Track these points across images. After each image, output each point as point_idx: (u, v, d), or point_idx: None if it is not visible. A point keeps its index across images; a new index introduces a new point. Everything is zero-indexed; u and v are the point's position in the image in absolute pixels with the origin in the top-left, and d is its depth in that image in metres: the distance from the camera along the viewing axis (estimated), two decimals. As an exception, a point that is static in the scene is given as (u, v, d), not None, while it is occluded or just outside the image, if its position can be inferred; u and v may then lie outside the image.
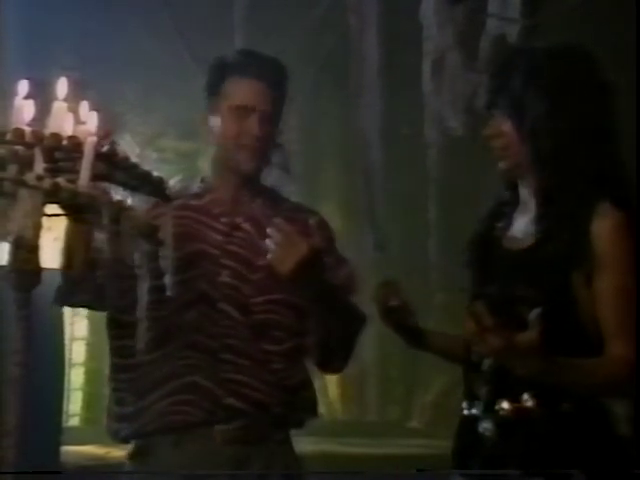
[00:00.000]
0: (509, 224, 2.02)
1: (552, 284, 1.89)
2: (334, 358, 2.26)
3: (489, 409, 1.92)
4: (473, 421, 1.95)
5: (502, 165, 1.99)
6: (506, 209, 2.04)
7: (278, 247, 2.05)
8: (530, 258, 1.93)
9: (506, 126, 1.95)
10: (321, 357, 2.23)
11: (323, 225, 2.26)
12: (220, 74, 2.28)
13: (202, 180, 2.32)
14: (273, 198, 2.29)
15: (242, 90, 2.24)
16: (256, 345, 2.17)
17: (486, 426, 1.91)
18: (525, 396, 1.88)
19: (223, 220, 2.23)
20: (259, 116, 2.21)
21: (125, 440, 2.22)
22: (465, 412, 1.97)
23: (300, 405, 2.22)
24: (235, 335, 2.16)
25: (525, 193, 1.99)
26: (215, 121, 2.26)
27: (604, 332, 1.87)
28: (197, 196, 2.27)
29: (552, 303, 1.87)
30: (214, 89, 2.28)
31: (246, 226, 2.23)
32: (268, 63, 2.30)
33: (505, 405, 1.90)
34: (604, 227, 1.87)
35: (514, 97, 1.93)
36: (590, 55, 1.98)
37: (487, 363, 1.93)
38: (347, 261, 2.31)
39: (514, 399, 1.89)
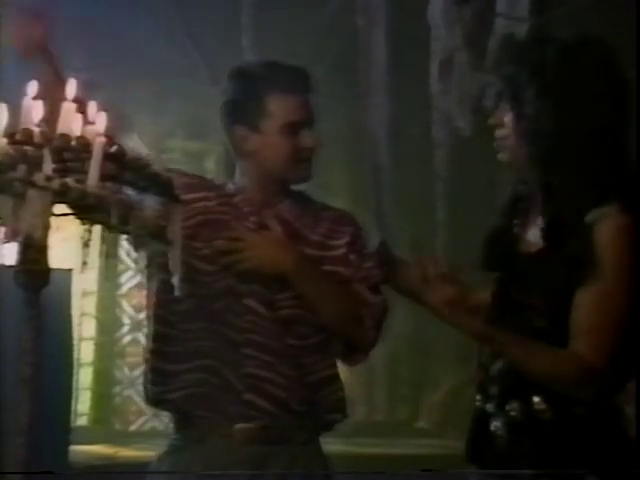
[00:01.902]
0: (526, 220, 2.00)
1: (557, 293, 1.87)
2: (353, 350, 2.29)
3: (500, 408, 1.91)
4: (486, 416, 1.94)
5: (501, 157, 1.97)
6: (521, 205, 2.02)
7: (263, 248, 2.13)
8: (538, 264, 1.91)
9: (507, 118, 1.94)
10: (342, 348, 2.26)
11: (350, 221, 2.33)
12: (256, 92, 2.27)
13: (232, 182, 2.35)
14: (301, 200, 2.33)
15: (290, 107, 2.28)
16: (281, 341, 2.18)
17: (497, 425, 1.91)
18: (536, 398, 1.87)
19: (252, 219, 2.27)
20: (310, 129, 2.28)
21: (156, 403, 2.26)
22: (478, 404, 1.97)
23: (325, 404, 2.23)
24: (259, 330, 2.18)
25: (532, 189, 1.98)
26: (257, 139, 2.25)
27: (572, 328, 1.83)
28: (230, 195, 2.31)
29: (558, 313, 1.85)
30: (253, 109, 2.27)
31: (273, 224, 2.25)
32: (301, 74, 2.34)
33: (515, 406, 1.89)
34: (606, 231, 1.82)
35: (517, 91, 1.92)
36: (606, 51, 1.95)
37: (497, 367, 1.93)
38: (372, 255, 2.33)
39: (524, 400, 1.88)
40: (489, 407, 1.94)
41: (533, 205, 1.98)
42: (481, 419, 1.96)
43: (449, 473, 2.03)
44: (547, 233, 1.89)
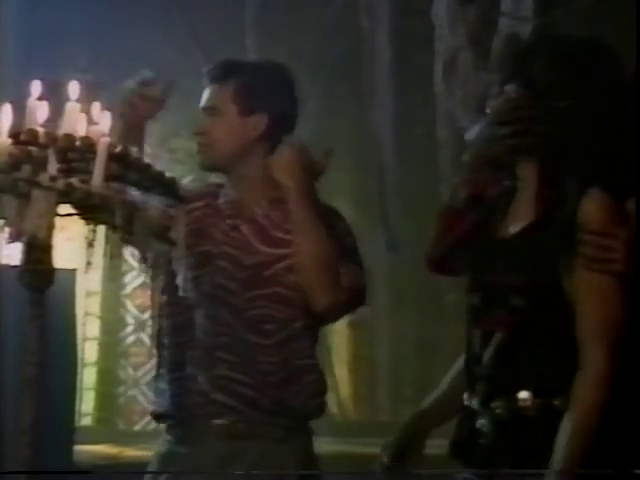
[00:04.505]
0: (506, 212, 2.01)
1: (539, 270, 1.88)
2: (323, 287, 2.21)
3: (485, 405, 1.91)
4: (472, 414, 1.95)
5: (498, 131, 1.96)
6: (505, 199, 2.03)
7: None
8: (520, 244, 1.93)
9: (521, 99, 1.94)
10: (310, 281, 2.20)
11: (338, 217, 2.33)
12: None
13: (214, 185, 2.34)
14: (281, 199, 2.29)
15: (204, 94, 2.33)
16: (247, 341, 2.18)
17: (482, 422, 1.91)
18: (521, 394, 1.87)
19: (228, 222, 2.26)
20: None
21: (156, 417, 2.32)
22: (465, 403, 1.97)
23: (299, 399, 2.22)
24: (229, 333, 2.19)
25: (524, 176, 1.98)
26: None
27: (579, 334, 1.84)
28: (214, 197, 2.30)
29: (540, 290, 1.86)
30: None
31: (244, 228, 2.24)
32: (222, 62, 2.35)
33: (501, 403, 1.90)
34: (589, 210, 1.85)
35: (534, 74, 1.93)
36: (612, 53, 1.98)
37: (483, 364, 1.93)
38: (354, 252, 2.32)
39: (510, 397, 1.88)
40: (474, 404, 1.94)
41: (518, 194, 1.99)
42: (467, 416, 1.96)
43: (451, 473, 2.03)
44: (534, 212, 1.91)
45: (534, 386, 1.86)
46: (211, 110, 2.26)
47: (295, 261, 2.20)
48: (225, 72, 2.26)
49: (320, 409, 2.28)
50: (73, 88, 1.70)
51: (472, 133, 2.03)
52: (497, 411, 1.89)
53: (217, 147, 2.24)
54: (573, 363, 1.84)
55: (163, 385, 2.27)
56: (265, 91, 2.25)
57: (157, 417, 2.31)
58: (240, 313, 2.21)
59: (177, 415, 2.24)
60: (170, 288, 2.23)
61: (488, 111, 1.99)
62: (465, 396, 1.97)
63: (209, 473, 2.17)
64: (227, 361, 2.19)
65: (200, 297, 2.22)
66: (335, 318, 2.34)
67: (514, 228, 1.96)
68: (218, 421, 2.18)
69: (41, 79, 1.70)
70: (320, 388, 2.28)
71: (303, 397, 2.22)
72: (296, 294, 2.22)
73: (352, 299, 2.24)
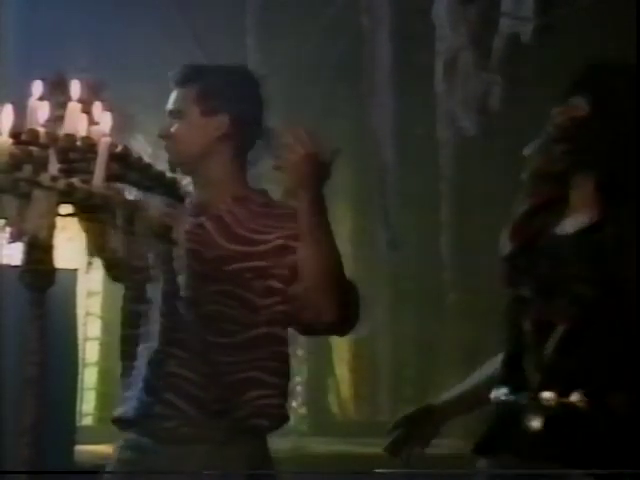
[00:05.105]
0: (562, 216, 2.01)
1: (602, 260, 1.87)
2: (341, 314, 2.17)
3: (535, 400, 1.88)
4: (514, 409, 1.91)
5: (561, 148, 1.96)
6: (560, 204, 2.02)
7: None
8: (580, 240, 1.92)
9: (584, 109, 1.94)
10: (327, 314, 2.15)
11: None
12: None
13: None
14: (250, 199, 2.29)
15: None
16: (201, 338, 2.17)
17: (531, 417, 1.88)
18: (575, 393, 1.85)
19: (190, 220, 2.26)
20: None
21: (114, 422, 2.32)
22: (503, 398, 1.94)
23: (248, 407, 2.18)
24: (183, 329, 2.18)
25: (580, 183, 1.98)
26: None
27: None
28: (181, 199, 2.30)
29: (606, 278, 1.85)
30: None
31: (208, 224, 2.25)
32: (185, 67, 2.38)
33: (553, 398, 1.87)
34: None
35: (601, 86, 1.94)
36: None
37: (549, 346, 1.89)
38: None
39: (563, 393, 1.86)
40: (521, 399, 1.91)
41: (574, 203, 1.99)
42: (504, 411, 1.93)
43: (453, 473, 2.02)
44: (598, 214, 1.91)
45: (592, 380, 1.84)
46: (175, 113, 2.30)
47: (302, 271, 2.17)
48: (188, 76, 2.31)
49: (272, 421, 2.21)
50: (74, 88, 1.70)
51: (530, 147, 2.02)
52: (547, 404, 1.86)
53: (181, 148, 2.28)
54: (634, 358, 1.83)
55: (126, 389, 2.26)
56: (227, 92, 2.30)
57: (115, 422, 2.29)
58: (197, 308, 2.19)
59: (133, 419, 2.22)
60: (171, 287, 2.23)
61: (549, 128, 1.98)
62: (504, 391, 1.94)
63: (209, 473, 2.16)
64: (178, 357, 2.18)
65: (158, 292, 2.21)
66: (341, 333, 2.28)
67: (571, 228, 1.95)
68: (166, 424, 2.16)
69: (42, 79, 1.71)
70: (265, 404, 2.19)
71: (250, 409, 2.18)
72: (265, 301, 2.19)
73: (356, 314, 2.24)
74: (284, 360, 2.23)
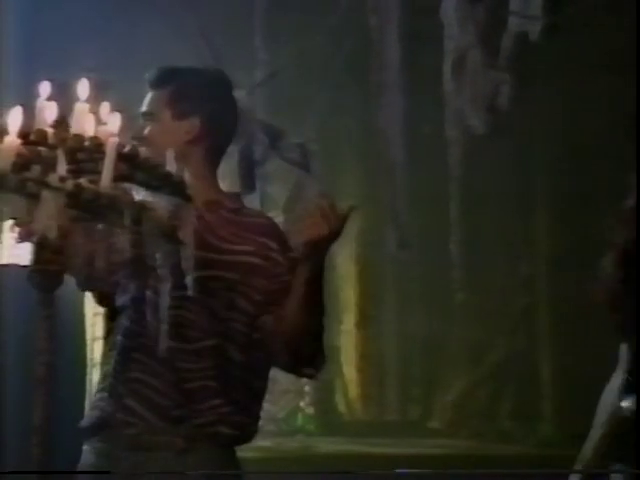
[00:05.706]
0: None
1: None
2: (307, 360, 2.21)
3: None
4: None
5: None
6: None
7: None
8: None
9: None
10: (293, 359, 2.19)
11: (269, 231, 2.26)
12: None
13: None
14: (222, 206, 2.27)
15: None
16: (163, 343, 2.14)
17: None
18: None
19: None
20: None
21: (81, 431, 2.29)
22: (627, 404, 1.96)
23: (208, 415, 2.15)
24: (148, 334, 2.16)
25: None
26: None
27: None
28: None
29: None
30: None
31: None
32: (159, 70, 2.38)
33: None
34: None
35: None
36: None
37: None
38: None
39: None
40: None
41: None
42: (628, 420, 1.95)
43: (457, 473, 2.01)
44: None
45: None
46: (148, 116, 2.29)
47: (279, 318, 2.16)
48: (161, 78, 2.30)
49: (235, 429, 2.18)
50: (82, 88, 1.70)
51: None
52: None
53: (154, 151, 2.26)
54: None
55: (97, 395, 2.25)
56: (198, 95, 2.28)
57: (81, 431, 2.27)
58: (161, 313, 2.13)
59: (95, 428, 2.21)
60: (179, 288, 2.22)
61: None
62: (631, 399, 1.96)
63: (209, 473, 2.14)
64: (142, 363, 2.16)
65: (126, 299, 2.21)
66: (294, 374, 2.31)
67: None
68: (127, 431, 2.14)
69: (50, 80, 1.71)
70: (227, 412, 2.17)
71: (211, 417, 2.16)
72: (228, 314, 2.17)
73: (314, 371, 2.25)
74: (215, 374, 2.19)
